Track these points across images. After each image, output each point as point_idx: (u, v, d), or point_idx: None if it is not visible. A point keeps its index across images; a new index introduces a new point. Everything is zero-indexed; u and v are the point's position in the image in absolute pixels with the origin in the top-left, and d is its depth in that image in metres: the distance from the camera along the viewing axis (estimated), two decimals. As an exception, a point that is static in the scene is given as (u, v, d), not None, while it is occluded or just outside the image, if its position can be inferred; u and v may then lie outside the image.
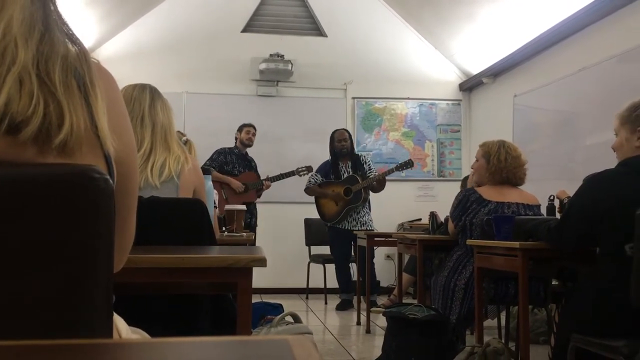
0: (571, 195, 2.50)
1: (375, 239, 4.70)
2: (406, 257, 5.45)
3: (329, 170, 5.68)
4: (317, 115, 6.88)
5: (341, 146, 5.64)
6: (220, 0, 6.80)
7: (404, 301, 4.05)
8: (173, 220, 1.87)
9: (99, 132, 0.75)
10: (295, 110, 6.90)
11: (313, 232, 6.30)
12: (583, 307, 2.21)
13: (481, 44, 6.18)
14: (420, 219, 6.55)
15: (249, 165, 5.74)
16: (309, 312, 5.47)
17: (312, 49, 6.94)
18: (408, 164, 5.52)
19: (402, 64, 7.08)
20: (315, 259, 6.20)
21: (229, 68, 6.78)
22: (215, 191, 3.10)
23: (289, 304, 4.66)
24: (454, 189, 4.91)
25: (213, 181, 3.16)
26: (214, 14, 6.78)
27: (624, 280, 1.95)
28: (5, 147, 0.68)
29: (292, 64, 6.65)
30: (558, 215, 3.00)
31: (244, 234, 3.04)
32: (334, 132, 5.76)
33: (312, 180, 5.68)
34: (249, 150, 5.78)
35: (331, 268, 5.83)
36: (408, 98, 7.10)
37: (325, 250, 5.98)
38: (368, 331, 4.47)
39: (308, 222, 6.36)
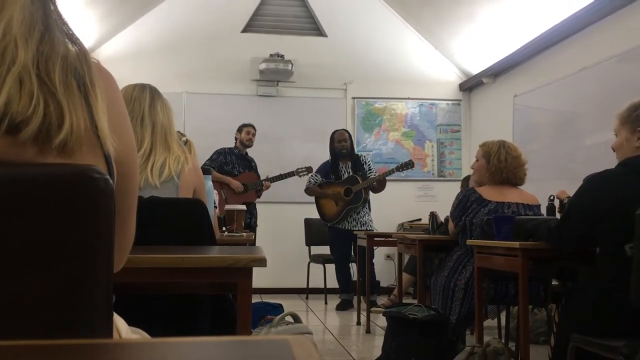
0: (571, 195, 2.50)
1: (375, 239, 4.70)
2: (406, 257, 5.45)
3: (329, 170, 5.68)
4: (317, 115, 6.88)
5: (341, 146, 5.64)
6: (220, 0, 6.80)
7: (404, 301, 4.05)
8: (173, 220, 1.87)
9: (99, 132, 0.75)
10: (295, 110, 6.90)
11: (313, 232, 6.30)
12: (583, 307, 2.21)
13: (481, 44, 6.18)
14: (420, 219, 6.55)
15: (249, 165, 5.73)
16: (309, 312, 5.47)
17: (312, 49, 6.94)
18: (408, 165, 5.52)
19: (402, 64, 7.08)
20: (315, 259, 6.21)
21: (229, 68, 6.78)
22: (216, 191, 3.10)
23: (289, 304, 4.66)
24: (454, 189, 4.91)
25: (212, 181, 3.16)
26: (214, 14, 6.78)
27: (624, 280, 1.95)
28: (5, 147, 0.68)
29: (292, 64, 6.65)
30: (558, 215, 3.00)
31: (244, 234, 3.04)
32: (334, 133, 5.76)
33: (312, 180, 5.68)
34: (249, 150, 5.78)
35: (331, 268, 5.83)
36: (408, 98, 7.10)
37: (325, 250, 5.98)
38: (368, 331, 4.47)
39: (308, 222, 6.36)
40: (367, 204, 5.66)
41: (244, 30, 6.91)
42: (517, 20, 5.33)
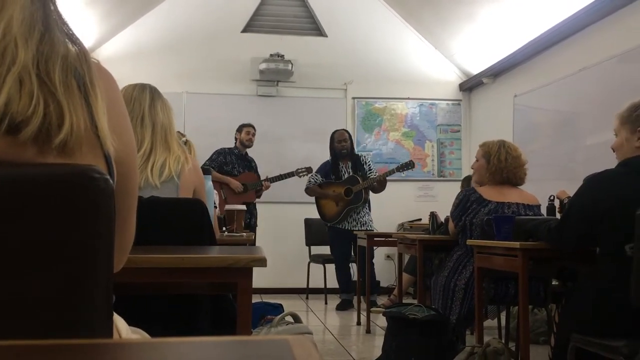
0: (571, 195, 2.50)
1: (375, 239, 4.70)
2: (406, 257, 5.45)
3: (329, 170, 5.68)
4: (317, 115, 6.88)
5: (341, 146, 5.64)
6: (220, 0, 6.80)
7: (404, 301, 4.05)
8: (173, 220, 1.87)
9: (99, 132, 0.75)
10: (295, 110, 6.90)
11: (313, 232, 6.30)
12: (583, 307, 2.21)
13: (481, 44, 6.18)
14: (420, 219, 6.55)
15: (249, 165, 5.73)
16: (309, 312, 5.47)
17: (312, 49, 6.94)
18: (409, 165, 5.52)
19: (402, 64, 7.08)
20: (315, 259, 6.20)
21: (229, 68, 6.78)
22: (216, 192, 3.10)
23: (289, 304, 4.66)
24: (454, 189, 4.91)
25: (212, 181, 3.16)
26: (214, 14, 6.78)
27: (624, 280, 1.96)
28: (5, 147, 0.68)
29: (292, 64, 6.65)
30: (558, 216, 3.00)
31: (244, 234, 3.04)
32: (334, 133, 5.76)
33: (313, 180, 5.68)
34: (249, 150, 5.77)
35: (331, 268, 5.83)
36: (408, 98, 7.10)
37: (325, 250, 5.98)
38: (368, 331, 4.47)
39: (308, 222, 6.36)
40: (367, 204, 5.66)
41: (244, 30, 6.91)
42: (517, 20, 5.33)
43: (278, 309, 3.78)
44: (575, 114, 4.91)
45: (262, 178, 5.69)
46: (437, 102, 7.15)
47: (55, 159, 0.70)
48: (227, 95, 6.76)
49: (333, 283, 5.87)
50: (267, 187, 5.66)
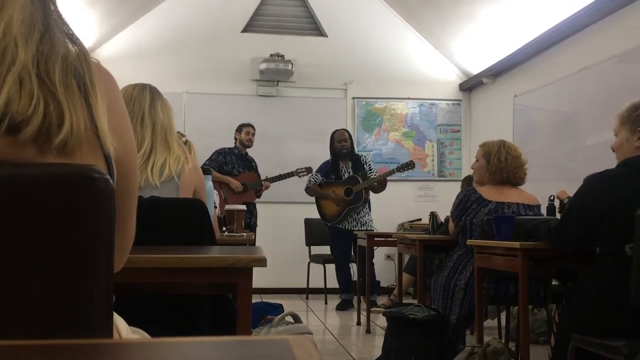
0: (571, 195, 2.50)
1: (375, 239, 4.70)
2: (406, 257, 5.45)
3: (329, 170, 5.68)
4: (317, 115, 6.88)
5: (341, 146, 5.64)
6: (220, 0, 6.80)
7: (404, 301, 4.05)
8: (173, 220, 1.87)
9: (99, 132, 0.75)
10: (295, 110, 6.90)
11: (313, 232, 6.30)
12: (583, 307, 2.21)
13: (481, 44, 6.18)
14: (420, 219, 6.55)
15: (249, 165, 5.73)
16: (309, 312, 5.47)
17: (312, 49, 6.94)
18: (409, 165, 5.52)
19: (402, 64, 7.08)
20: (315, 259, 6.20)
21: (229, 68, 6.78)
22: (216, 192, 3.10)
23: (289, 304, 4.66)
24: (454, 189, 4.91)
25: (212, 181, 3.16)
26: (214, 14, 6.78)
27: (624, 280, 1.96)
28: (5, 147, 0.68)
29: (292, 64, 6.65)
30: (558, 216, 3.00)
31: (244, 234, 3.04)
32: (334, 133, 5.76)
33: (313, 180, 5.68)
34: (249, 150, 5.77)
35: (331, 268, 5.83)
36: (408, 98, 7.10)
37: (326, 250, 5.98)
38: (368, 331, 4.47)
39: (308, 222, 6.36)
40: (367, 204, 5.66)
41: (244, 30, 6.91)
42: (517, 20, 5.33)
43: (278, 309, 3.78)
44: (575, 114, 4.91)
45: (262, 178, 5.68)
46: (437, 102, 7.15)
47: (55, 159, 0.70)
48: (227, 95, 6.76)
49: (333, 283, 5.87)
50: (267, 187, 5.66)
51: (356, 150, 6.07)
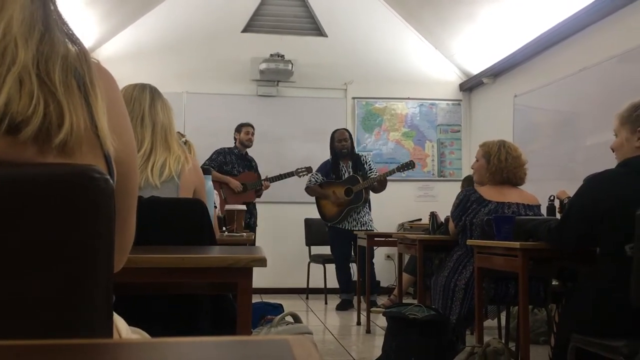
0: (571, 195, 2.50)
1: (376, 239, 4.70)
2: (406, 257, 5.45)
3: (329, 169, 5.68)
4: (317, 115, 6.88)
5: (341, 146, 5.64)
6: (220, 0, 6.80)
7: (404, 301, 4.05)
8: (173, 220, 1.87)
9: (99, 132, 0.75)
10: (295, 110, 6.90)
11: (313, 232, 6.30)
12: (583, 307, 2.21)
13: (481, 44, 6.18)
14: (420, 219, 6.55)
15: (249, 165, 5.73)
16: (309, 312, 5.47)
17: (312, 49, 6.94)
18: (409, 165, 5.52)
19: (403, 64, 7.08)
20: (315, 259, 6.20)
21: (229, 68, 6.78)
22: (216, 192, 3.10)
23: (289, 304, 4.66)
24: (454, 189, 4.91)
25: (212, 181, 3.16)
26: (214, 14, 6.78)
27: (624, 280, 1.96)
28: (5, 147, 0.68)
29: (292, 64, 6.65)
30: (558, 216, 3.00)
31: (244, 234, 3.04)
32: (334, 132, 5.76)
33: (313, 179, 5.68)
34: (249, 150, 5.77)
35: (331, 268, 5.83)
36: (408, 98, 7.10)
37: (325, 250, 5.98)
38: (368, 331, 4.47)
39: (308, 222, 6.36)
40: (367, 204, 5.66)
41: (244, 30, 6.91)
42: (517, 20, 5.33)
43: (278, 309, 3.78)
44: (575, 114, 4.91)
45: (262, 178, 5.68)
46: (437, 102, 7.15)
47: (55, 159, 0.70)
48: (227, 95, 6.76)
49: (333, 283, 5.87)
50: (267, 187, 5.66)
51: (356, 150, 6.07)
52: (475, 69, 6.76)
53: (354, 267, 5.63)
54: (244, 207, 3.38)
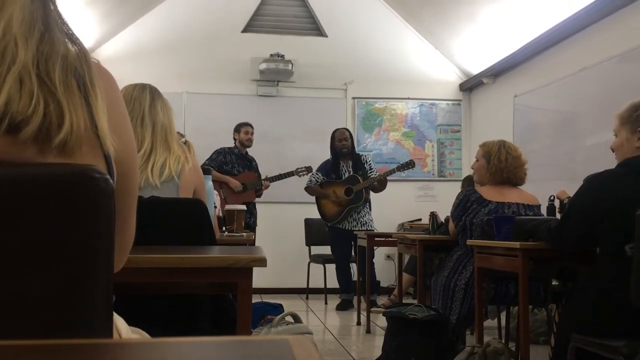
0: (571, 195, 2.50)
1: (376, 239, 4.70)
2: (406, 257, 5.45)
3: (329, 169, 5.68)
4: (317, 115, 6.88)
5: (342, 145, 5.64)
6: (220, 0, 6.80)
7: (404, 301, 4.05)
8: (173, 220, 1.87)
9: (99, 132, 0.75)
10: (295, 110, 6.90)
11: (313, 232, 6.30)
12: (583, 307, 2.21)
13: (481, 44, 6.18)
14: (420, 219, 6.55)
15: (249, 165, 5.73)
16: (309, 312, 5.47)
17: (312, 49, 6.94)
18: (409, 164, 5.52)
19: (403, 64, 7.08)
20: (315, 259, 6.20)
21: (229, 68, 6.78)
22: (216, 192, 3.10)
23: (289, 304, 4.66)
24: (454, 189, 4.91)
25: (212, 181, 3.16)
26: (214, 14, 6.78)
27: (624, 280, 1.96)
28: (5, 147, 0.68)
29: (292, 64, 6.65)
30: (558, 216, 3.00)
31: (244, 234, 3.04)
32: (334, 132, 5.75)
33: (313, 179, 5.68)
34: (249, 149, 5.77)
35: (331, 268, 5.83)
36: (408, 98, 7.10)
37: (325, 250, 5.98)
38: (368, 331, 4.47)
39: (308, 222, 6.35)
40: (367, 204, 5.66)
41: (244, 30, 6.91)
42: (517, 20, 5.33)
43: (278, 309, 3.78)
44: (575, 114, 4.91)
45: (262, 177, 5.68)
46: (437, 102, 7.15)
47: (55, 159, 0.70)
48: (227, 95, 6.76)
49: (333, 283, 5.87)
50: (267, 187, 5.66)
51: (356, 150, 6.07)
52: (475, 69, 6.76)
53: (354, 267, 5.63)
54: (244, 207, 3.38)
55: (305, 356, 0.42)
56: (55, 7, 0.78)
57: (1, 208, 0.65)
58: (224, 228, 3.19)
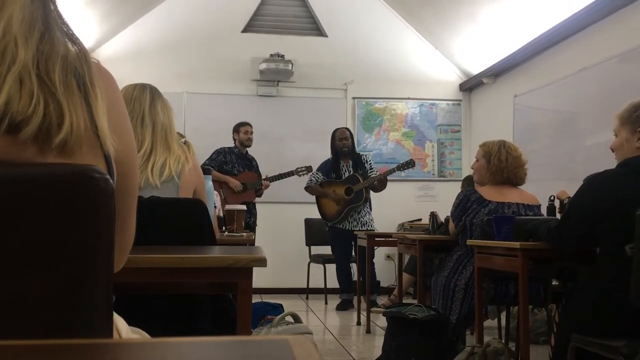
0: (571, 195, 2.50)
1: (376, 239, 4.70)
2: (406, 257, 5.45)
3: (330, 168, 5.68)
4: (317, 115, 6.88)
5: (342, 145, 5.64)
6: (220, 0, 6.80)
7: (404, 301, 4.05)
8: (173, 220, 1.87)
9: (99, 132, 0.75)
10: (295, 110, 6.90)
11: (313, 232, 6.30)
12: (583, 307, 2.21)
13: (481, 44, 6.18)
14: (420, 219, 6.55)
15: (249, 164, 5.73)
16: (309, 312, 5.47)
17: (313, 49, 6.94)
18: (410, 164, 5.52)
19: (403, 64, 7.08)
20: (315, 259, 6.20)
21: (229, 68, 6.78)
22: (216, 192, 3.10)
23: (289, 304, 4.66)
24: (454, 189, 4.91)
25: (212, 180, 3.16)
26: (214, 14, 6.78)
27: (624, 280, 1.96)
28: (5, 147, 0.68)
29: (292, 64, 6.65)
30: (558, 216, 3.00)
31: (244, 234, 3.04)
32: (335, 131, 5.75)
33: (313, 178, 5.68)
34: (249, 149, 5.77)
35: (331, 268, 5.83)
36: (408, 98, 7.10)
37: (326, 250, 5.98)
38: (368, 331, 4.47)
39: (308, 222, 6.35)
40: (368, 204, 5.65)
41: (244, 30, 6.91)
42: (517, 20, 5.33)
43: (278, 309, 3.78)
44: (575, 114, 4.91)
45: (262, 177, 5.68)
46: (437, 102, 7.15)
47: (55, 159, 0.70)
48: (227, 95, 6.76)
49: (333, 283, 5.87)
50: (267, 187, 5.66)
51: (356, 150, 6.07)
52: (475, 69, 6.76)
53: (354, 267, 5.63)
54: (244, 207, 3.38)
55: (305, 356, 0.42)
56: (55, 7, 0.78)
57: (1, 208, 0.65)
58: (224, 228, 3.19)
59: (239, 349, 0.49)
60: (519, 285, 2.61)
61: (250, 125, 5.73)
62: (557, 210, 3.15)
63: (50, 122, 0.69)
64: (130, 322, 0.98)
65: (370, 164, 5.70)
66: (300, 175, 5.80)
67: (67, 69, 0.74)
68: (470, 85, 7.03)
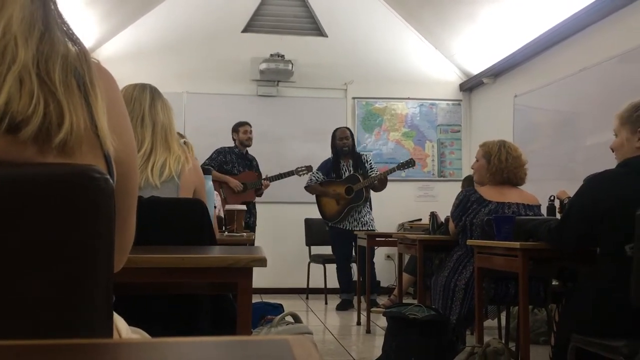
0: (571, 195, 2.50)
1: (376, 239, 4.70)
2: (406, 257, 5.45)
3: (330, 168, 5.68)
4: (317, 115, 6.88)
5: (342, 144, 5.64)
6: (220, 0, 6.80)
7: (404, 301, 4.05)
8: (173, 220, 1.87)
9: (99, 132, 0.75)
10: (295, 110, 6.90)
11: (313, 232, 6.30)
12: (583, 307, 2.21)
13: (481, 44, 6.18)
14: (420, 219, 6.55)
15: (250, 164, 5.72)
16: (309, 312, 5.47)
17: (313, 49, 6.94)
18: (410, 163, 5.52)
19: (403, 64, 7.08)
20: (315, 259, 6.20)
21: (229, 68, 6.78)
22: (216, 192, 3.10)
23: (289, 304, 4.66)
24: (454, 189, 4.91)
25: (212, 180, 3.16)
26: (214, 14, 6.78)
27: (624, 280, 1.96)
28: (6, 147, 0.68)
29: (292, 64, 6.65)
30: (558, 216, 3.00)
31: (244, 234, 3.04)
32: (335, 130, 5.75)
33: (314, 178, 5.68)
34: (249, 149, 5.77)
35: (331, 268, 5.83)
36: (408, 98, 7.10)
37: (326, 250, 5.98)
38: (368, 331, 4.47)
39: (308, 222, 6.35)
40: (368, 203, 5.65)
41: (244, 30, 6.91)
42: (517, 20, 5.33)
43: (278, 309, 3.78)
44: (575, 114, 4.91)
45: (263, 177, 5.68)
46: (437, 102, 7.15)
47: (55, 159, 0.70)
48: (227, 95, 6.76)
49: (333, 283, 5.87)
50: (267, 186, 5.66)
51: (356, 150, 6.07)
52: (475, 69, 6.76)
53: (354, 267, 5.63)
54: (244, 207, 3.38)
55: (305, 356, 0.42)
56: (56, 7, 0.78)
57: (1, 208, 0.65)
58: (224, 228, 3.19)
59: (239, 349, 0.49)
60: (519, 285, 2.61)
61: (249, 125, 5.73)
62: (557, 210, 3.15)
63: (50, 122, 0.69)
64: (130, 322, 0.98)
65: (371, 163, 5.70)
66: (300, 175, 5.80)
67: (67, 68, 0.74)
68: (470, 85, 7.03)
